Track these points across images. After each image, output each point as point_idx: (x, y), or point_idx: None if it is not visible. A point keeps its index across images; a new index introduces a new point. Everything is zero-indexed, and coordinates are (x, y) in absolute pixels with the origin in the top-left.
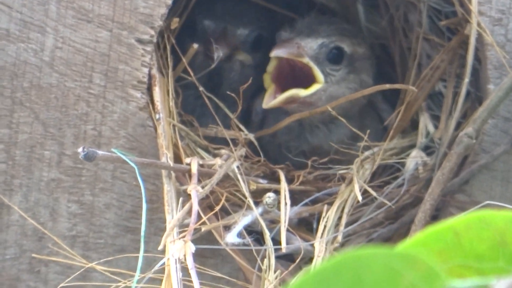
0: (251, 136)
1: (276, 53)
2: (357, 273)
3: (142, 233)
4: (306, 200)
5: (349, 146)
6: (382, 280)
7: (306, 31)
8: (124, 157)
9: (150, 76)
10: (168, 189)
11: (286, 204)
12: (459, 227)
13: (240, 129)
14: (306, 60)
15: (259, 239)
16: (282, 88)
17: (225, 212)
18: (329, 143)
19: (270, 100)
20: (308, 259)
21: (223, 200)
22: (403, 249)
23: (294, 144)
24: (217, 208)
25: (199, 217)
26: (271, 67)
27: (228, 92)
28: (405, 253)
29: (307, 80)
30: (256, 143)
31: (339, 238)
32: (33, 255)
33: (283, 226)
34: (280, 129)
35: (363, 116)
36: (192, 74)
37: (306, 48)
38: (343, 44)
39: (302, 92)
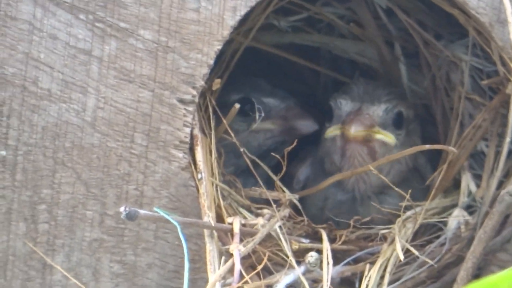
0: (294, 197)
1: (355, 129)
2: None
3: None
4: (348, 259)
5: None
6: None
7: (368, 98)
8: (166, 216)
9: (192, 136)
10: (211, 248)
11: (328, 263)
12: (501, 283)
13: (283, 190)
14: (377, 129)
15: None
16: None
17: (267, 271)
18: (379, 217)
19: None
20: None
21: (265, 259)
22: None
23: (344, 218)
24: (260, 267)
25: (241, 276)
26: (331, 131)
27: (273, 154)
28: None
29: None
30: (299, 205)
31: None
32: None
33: (326, 286)
34: (328, 203)
35: (408, 182)
36: (232, 134)
37: (374, 116)
38: (402, 108)
39: (378, 135)
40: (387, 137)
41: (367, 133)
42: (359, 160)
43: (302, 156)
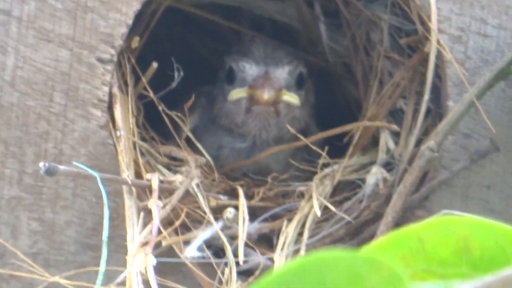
0: (202, 160)
1: (268, 95)
2: (320, 275)
3: (104, 238)
4: (265, 215)
5: (308, 162)
6: (345, 283)
7: (271, 61)
8: (86, 169)
9: (111, 95)
10: (129, 204)
11: (244, 218)
12: (423, 232)
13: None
14: (283, 92)
15: (219, 254)
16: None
17: (185, 228)
18: (276, 163)
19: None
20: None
21: (182, 216)
22: (366, 253)
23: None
24: (177, 224)
25: (159, 232)
26: (237, 94)
27: (168, 112)
28: (368, 257)
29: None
30: (212, 163)
31: (302, 251)
32: None
33: (241, 240)
34: (223, 152)
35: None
36: (151, 92)
37: (280, 79)
38: (302, 69)
39: (285, 96)
40: (292, 98)
41: (276, 96)
42: (264, 121)
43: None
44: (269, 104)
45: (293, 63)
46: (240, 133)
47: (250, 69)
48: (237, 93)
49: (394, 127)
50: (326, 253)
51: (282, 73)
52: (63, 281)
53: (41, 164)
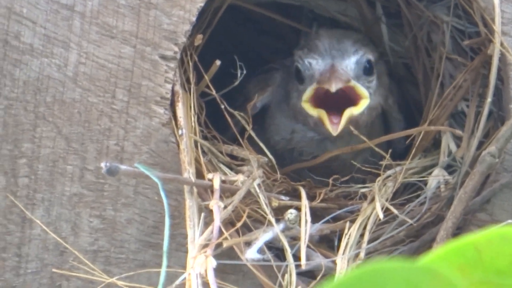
0: (264, 160)
1: (335, 87)
2: (377, 286)
3: (165, 248)
4: (328, 217)
5: (370, 163)
6: None
7: (337, 53)
8: (146, 172)
9: (173, 93)
10: (190, 204)
11: (306, 220)
12: (480, 242)
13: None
14: (352, 83)
15: (280, 255)
16: (329, 111)
17: (246, 228)
18: (347, 154)
19: (334, 127)
20: (330, 276)
21: (244, 217)
22: (424, 264)
23: (309, 150)
24: (239, 225)
25: (220, 233)
26: (308, 95)
27: (231, 110)
28: (425, 267)
29: (345, 96)
30: (274, 161)
31: (362, 254)
32: (54, 269)
33: (303, 243)
34: (295, 136)
35: (373, 122)
36: (213, 89)
37: (348, 70)
38: (370, 55)
39: (355, 110)
40: (362, 96)
41: (346, 119)
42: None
43: (262, 80)
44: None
45: (359, 51)
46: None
47: (316, 65)
48: (309, 101)
49: (458, 131)
50: (383, 263)
51: (349, 64)
52: (121, 283)
53: (102, 164)
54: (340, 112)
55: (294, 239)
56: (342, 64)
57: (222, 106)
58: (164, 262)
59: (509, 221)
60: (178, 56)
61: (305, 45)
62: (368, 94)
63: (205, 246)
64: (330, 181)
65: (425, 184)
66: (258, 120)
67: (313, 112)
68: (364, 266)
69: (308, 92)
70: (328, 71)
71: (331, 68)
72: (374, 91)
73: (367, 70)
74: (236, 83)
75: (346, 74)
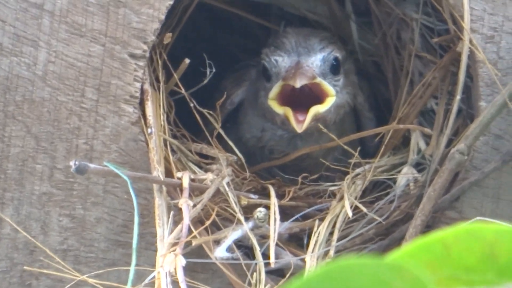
0: (233, 158)
1: (300, 84)
2: (346, 282)
3: (134, 245)
4: (297, 216)
5: (341, 162)
6: None
7: (303, 50)
8: (116, 170)
9: (142, 91)
10: (159, 203)
11: (275, 219)
12: (449, 239)
13: (227, 146)
14: (318, 80)
15: (249, 254)
16: (295, 108)
17: (216, 227)
18: (317, 152)
19: (299, 125)
20: (299, 274)
21: (213, 215)
22: (392, 260)
23: (280, 149)
24: (208, 223)
25: (190, 231)
26: (274, 93)
27: (200, 108)
28: (393, 264)
29: (311, 94)
30: (243, 159)
31: (331, 252)
32: (25, 267)
33: (272, 241)
34: (265, 134)
35: (343, 121)
36: (183, 89)
37: (313, 67)
38: (337, 53)
39: (321, 108)
40: (328, 93)
41: (312, 117)
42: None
43: (239, 76)
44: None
45: (326, 49)
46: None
47: (282, 62)
48: (275, 99)
49: (427, 129)
50: (351, 260)
51: (315, 60)
52: (91, 280)
53: (71, 162)
54: (306, 110)
55: (263, 238)
56: (308, 61)
57: (192, 105)
58: (133, 260)
59: (478, 218)
60: (147, 54)
61: (272, 43)
62: (334, 92)
63: (174, 244)
64: (299, 179)
65: (394, 182)
66: (232, 117)
67: (279, 109)
68: (332, 263)
69: (275, 90)
70: (294, 68)
71: (296, 65)
72: (341, 89)
73: (334, 67)
74: (205, 81)
75: (311, 71)
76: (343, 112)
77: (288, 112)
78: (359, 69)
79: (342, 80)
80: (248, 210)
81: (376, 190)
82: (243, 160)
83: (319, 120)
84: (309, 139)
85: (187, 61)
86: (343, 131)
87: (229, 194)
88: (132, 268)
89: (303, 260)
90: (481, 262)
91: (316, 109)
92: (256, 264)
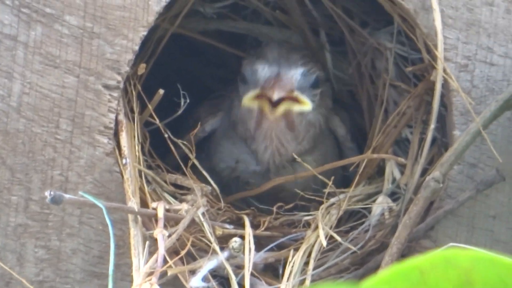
0: (208, 189)
1: (278, 95)
2: None
3: (110, 272)
4: (272, 245)
5: (314, 190)
6: None
7: (285, 62)
8: (91, 199)
9: (117, 122)
10: (135, 233)
11: (250, 249)
12: (425, 266)
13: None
14: (295, 94)
15: (224, 283)
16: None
17: (191, 257)
18: (292, 184)
19: (273, 110)
20: None
21: (189, 245)
22: (368, 286)
23: (254, 182)
24: (183, 253)
25: (165, 261)
26: (249, 96)
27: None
28: None
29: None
30: (216, 189)
31: (307, 282)
32: None
33: (247, 271)
34: (239, 166)
35: (325, 153)
36: (157, 119)
37: (293, 80)
38: (317, 71)
39: (296, 107)
40: (304, 104)
41: (285, 109)
42: (276, 132)
43: (214, 105)
44: (279, 118)
45: (307, 65)
46: (254, 149)
47: (262, 71)
48: (250, 98)
49: (401, 159)
50: (328, 285)
51: (295, 74)
52: None
53: (46, 193)
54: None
55: (238, 268)
56: (288, 74)
57: (166, 135)
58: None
59: (451, 244)
60: (122, 85)
61: (254, 53)
62: (311, 104)
63: (150, 274)
64: (274, 209)
65: (369, 212)
66: (206, 146)
67: (253, 103)
68: None
69: (250, 94)
70: (273, 79)
71: (276, 76)
72: (316, 106)
73: (313, 84)
74: (180, 111)
75: (290, 84)
76: (312, 133)
77: (263, 102)
78: (335, 99)
79: (318, 97)
80: (223, 240)
81: (351, 219)
82: (218, 191)
83: (287, 125)
84: (283, 172)
85: (161, 91)
86: (326, 163)
87: (204, 224)
88: None
89: None
90: None
91: (291, 105)
92: None
